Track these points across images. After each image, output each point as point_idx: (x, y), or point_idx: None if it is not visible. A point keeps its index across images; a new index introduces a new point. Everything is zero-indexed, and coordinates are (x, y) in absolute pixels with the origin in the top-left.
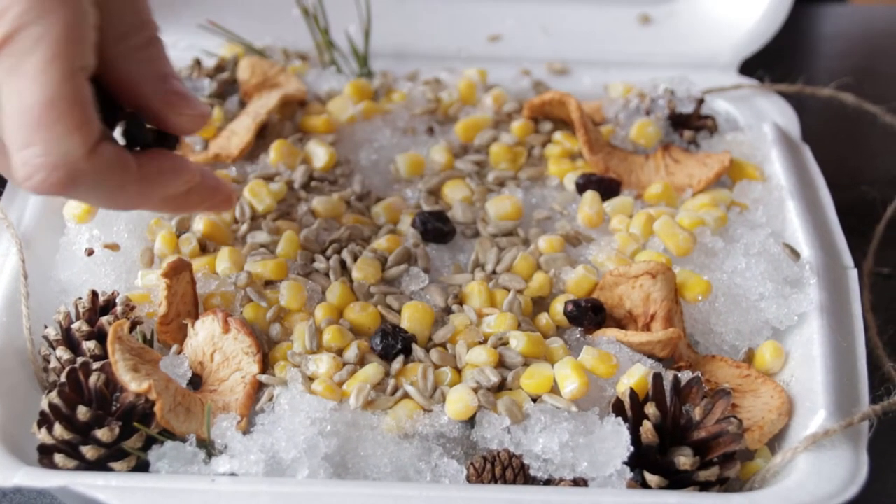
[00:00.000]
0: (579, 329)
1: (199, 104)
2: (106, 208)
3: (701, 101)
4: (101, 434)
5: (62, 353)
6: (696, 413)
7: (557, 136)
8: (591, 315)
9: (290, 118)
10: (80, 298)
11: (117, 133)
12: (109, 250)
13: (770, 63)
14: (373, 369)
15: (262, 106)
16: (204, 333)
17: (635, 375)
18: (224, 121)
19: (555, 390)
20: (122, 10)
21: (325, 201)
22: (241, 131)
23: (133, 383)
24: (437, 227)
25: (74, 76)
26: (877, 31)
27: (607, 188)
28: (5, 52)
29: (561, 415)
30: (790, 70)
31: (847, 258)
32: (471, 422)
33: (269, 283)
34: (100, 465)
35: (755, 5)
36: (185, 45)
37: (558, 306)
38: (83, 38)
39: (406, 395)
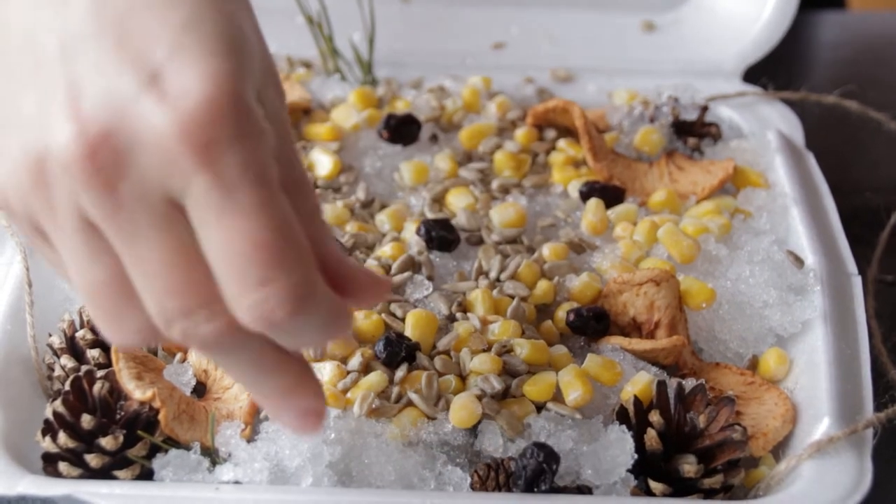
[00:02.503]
0: (583, 336)
1: (374, 283)
2: (322, 338)
3: (705, 109)
4: (106, 442)
5: (66, 361)
6: (701, 421)
7: (561, 143)
8: (593, 324)
9: (295, 126)
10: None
11: None
12: None
13: (774, 70)
14: (377, 377)
15: None
16: None
17: (639, 383)
18: None
19: (559, 398)
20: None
21: (330, 209)
22: None
23: (137, 391)
24: (442, 236)
25: (282, 196)
26: (881, 38)
27: (611, 196)
28: (208, 188)
29: (565, 422)
30: (794, 77)
31: (851, 265)
32: (475, 429)
33: None
34: (104, 474)
35: (759, 13)
36: None
37: (562, 314)
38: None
39: (410, 403)
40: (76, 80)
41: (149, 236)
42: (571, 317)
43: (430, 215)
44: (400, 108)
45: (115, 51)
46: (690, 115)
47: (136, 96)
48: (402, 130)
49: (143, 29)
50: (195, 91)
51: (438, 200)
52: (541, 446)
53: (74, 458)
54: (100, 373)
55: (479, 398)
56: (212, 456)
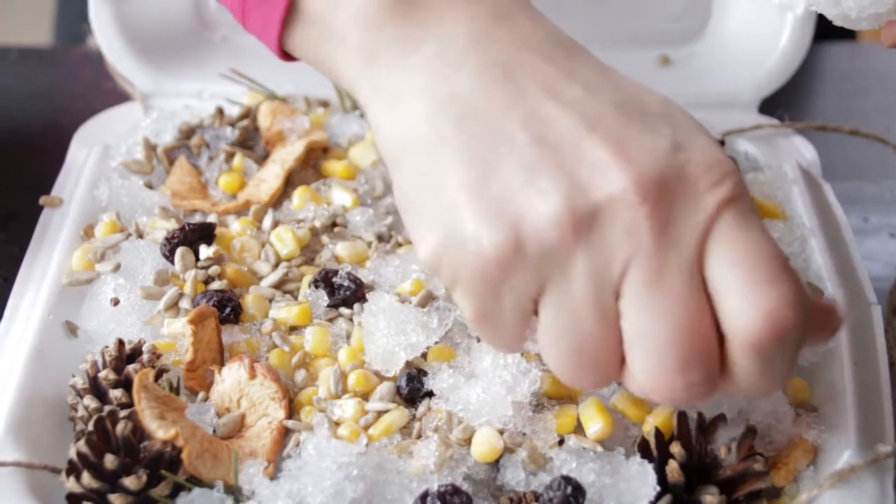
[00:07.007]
0: None
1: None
2: (788, 369)
3: (721, 143)
4: (129, 482)
5: (89, 401)
6: (722, 451)
7: None
8: None
9: (313, 164)
10: (107, 347)
11: None
12: (136, 299)
13: (790, 102)
14: (398, 412)
15: (290, 153)
16: (230, 380)
17: (660, 415)
18: (244, 168)
19: (580, 430)
20: None
21: (349, 246)
22: (270, 178)
23: (160, 431)
24: None
25: None
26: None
27: None
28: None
29: (587, 455)
30: (810, 108)
31: (871, 294)
32: (497, 463)
33: (294, 329)
34: None
35: (774, 45)
36: (209, 95)
37: None
38: None
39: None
40: (620, 139)
41: (678, 289)
42: None
43: None
44: None
45: (639, 122)
46: None
47: (674, 156)
48: None
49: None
50: (717, 156)
51: None
52: (567, 479)
53: (98, 498)
54: (122, 413)
55: (501, 432)
56: (235, 494)
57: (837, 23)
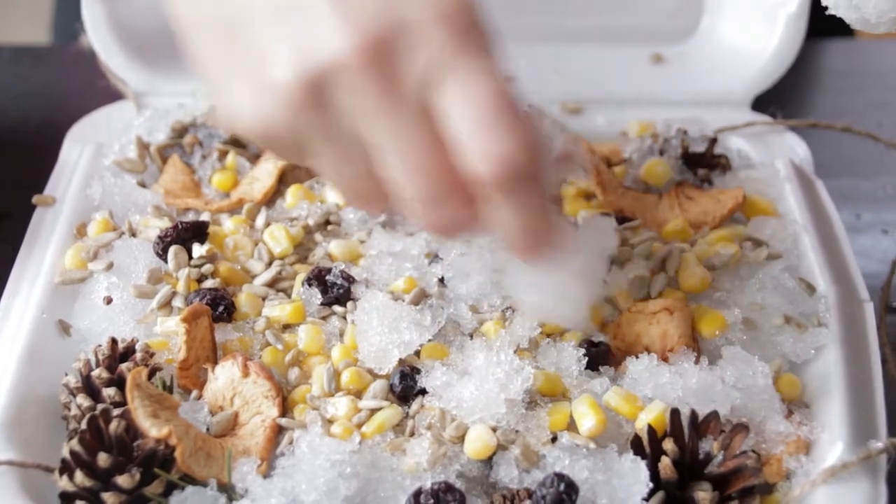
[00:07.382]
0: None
1: None
2: (539, 213)
3: (714, 141)
4: (122, 480)
5: (82, 400)
6: (715, 448)
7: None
8: (602, 356)
9: (306, 168)
10: (100, 346)
11: None
12: (128, 297)
13: (783, 99)
14: (391, 410)
15: None
16: (223, 378)
17: (653, 411)
18: (237, 167)
19: (573, 427)
20: None
21: (342, 244)
22: (263, 176)
23: (153, 429)
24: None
25: None
26: (889, 66)
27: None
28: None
29: (580, 452)
30: (803, 106)
31: (863, 291)
32: (490, 460)
33: (287, 327)
34: None
35: (767, 43)
36: (202, 93)
37: (571, 339)
38: None
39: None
40: (336, 5)
41: (413, 139)
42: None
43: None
44: None
45: None
46: (700, 147)
47: (398, 7)
48: None
49: None
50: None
51: None
52: (560, 476)
53: (92, 496)
54: (116, 411)
55: (494, 429)
56: (228, 492)
57: (856, 26)
